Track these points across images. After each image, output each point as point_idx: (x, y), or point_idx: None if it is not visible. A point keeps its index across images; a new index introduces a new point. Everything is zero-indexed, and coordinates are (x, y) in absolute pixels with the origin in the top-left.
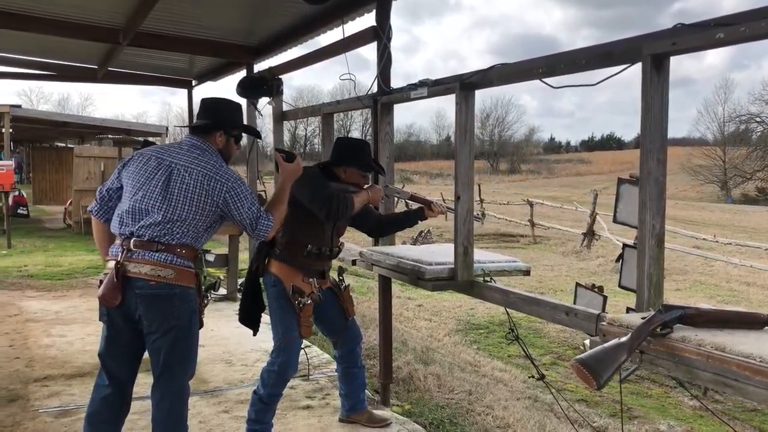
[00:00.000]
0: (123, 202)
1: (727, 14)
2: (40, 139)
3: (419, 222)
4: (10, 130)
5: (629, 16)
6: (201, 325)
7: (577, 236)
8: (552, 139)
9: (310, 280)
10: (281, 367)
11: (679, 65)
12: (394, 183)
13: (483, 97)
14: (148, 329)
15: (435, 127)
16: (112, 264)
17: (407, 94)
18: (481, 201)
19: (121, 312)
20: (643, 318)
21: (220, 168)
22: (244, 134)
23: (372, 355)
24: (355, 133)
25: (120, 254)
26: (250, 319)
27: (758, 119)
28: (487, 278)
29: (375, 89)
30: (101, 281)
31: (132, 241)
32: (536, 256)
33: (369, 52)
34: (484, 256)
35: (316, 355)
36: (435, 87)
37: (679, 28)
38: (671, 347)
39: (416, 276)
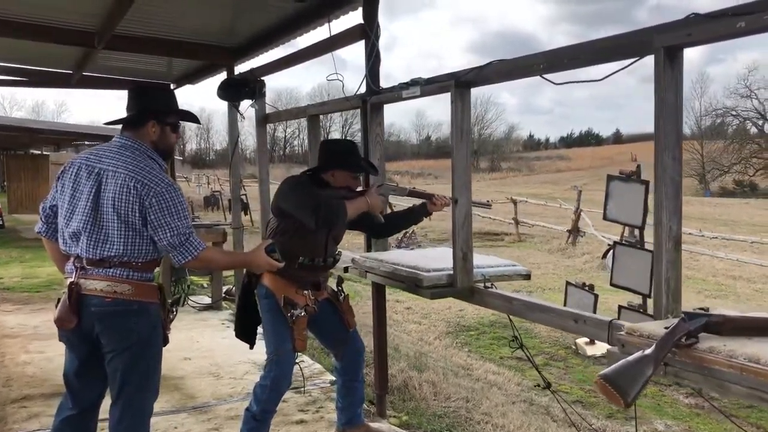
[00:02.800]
0: (60, 220)
1: (746, 2)
2: (15, 146)
3: (424, 218)
4: None
5: (607, 11)
6: (166, 341)
7: (561, 233)
8: (531, 137)
9: (305, 291)
10: (274, 382)
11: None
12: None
13: None
14: (106, 348)
15: (415, 127)
16: (68, 282)
17: (398, 93)
18: None
19: (78, 333)
20: (665, 327)
21: (149, 171)
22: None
23: (365, 363)
24: (335, 134)
25: (74, 273)
26: (245, 333)
27: (734, 113)
28: (488, 284)
29: (363, 89)
30: (59, 300)
31: (84, 259)
32: (522, 255)
33: (347, 52)
34: (482, 260)
35: (308, 366)
36: (428, 86)
37: (694, 18)
38: (699, 359)
39: (414, 283)
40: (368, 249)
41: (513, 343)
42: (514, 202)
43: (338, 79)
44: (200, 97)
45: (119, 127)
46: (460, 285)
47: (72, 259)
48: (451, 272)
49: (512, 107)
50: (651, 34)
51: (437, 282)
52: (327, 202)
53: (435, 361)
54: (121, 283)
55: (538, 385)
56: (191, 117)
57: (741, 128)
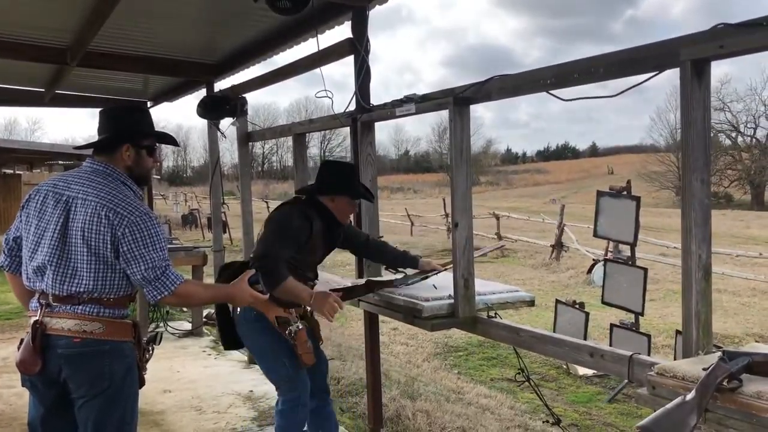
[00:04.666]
0: (24, 252)
1: None
2: None
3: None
4: None
5: (582, 25)
6: (142, 383)
7: (545, 248)
8: (509, 150)
9: (291, 310)
10: (292, 405)
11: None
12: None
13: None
14: (75, 393)
15: (393, 141)
16: (31, 321)
17: (391, 111)
18: (446, 215)
19: (43, 378)
20: (703, 368)
21: (122, 199)
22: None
23: (354, 391)
24: (314, 150)
25: (38, 310)
26: (234, 342)
27: None
28: (492, 313)
29: (352, 106)
30: (21, 341)
31: (50, 295)
32: (506, 270)
33: (326, 68)
34: (483, 286)
35: None
36: (424, 103)
37: (723, 29)
38: (745, 405)
39: (412, 314)
40: (360, 275)
41: (518, 376)
42: (497, 217)
43: (328, 96)
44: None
45: (81, 143)
46: (462, 315)
47: (37, 295)
48: (452, 301)
49: (489, 121)
50: (677, 46)
51: (437, 312)
52: (275, 267)
53: (425, 386)
54: (91, 321)
55: (547, 422)
56: (170, 139)
57: (714, 141)
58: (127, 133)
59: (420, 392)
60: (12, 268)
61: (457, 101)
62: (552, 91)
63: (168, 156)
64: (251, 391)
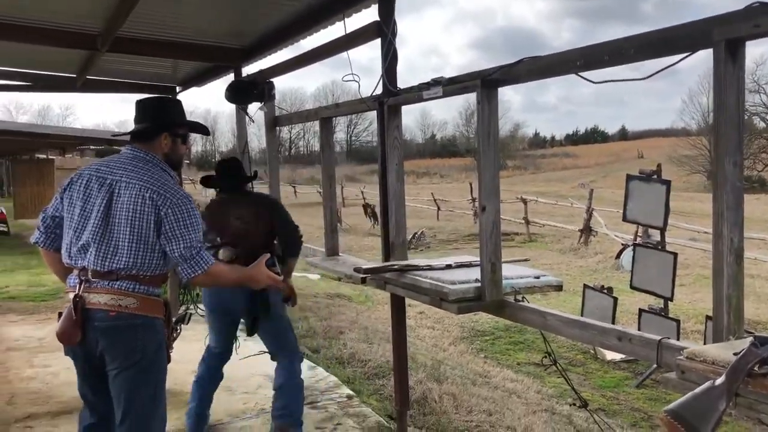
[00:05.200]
0: (68, 232)
1: None
2: (20, 151)
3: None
4: None
5: (612, 6)
6: (168, 360)
7: (572, 233)
8: (537, 134)
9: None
10: (299, 359)
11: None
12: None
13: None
14: (110, 365)
15: (420, 126)
16: (71, 295)
17: (418, 94)
18: (473, 200)
19: (82, 350)
20: (734, 353)
21: (164, 182)
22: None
23: (381, 374)
24: (340, 134)
25: (78, 285)
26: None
27: None
28: (519, 297)
29: (379, 90)
30: (60, 314)
31: (89, 271)
32: (534, 255)
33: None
34: (509, 270)
35: (323, 378)
36: (451, 86)
37: (758, 8)
38: None
39: (438, 297)
40: (386, 258)
41: (545, 359)
42: (524, 202)
43: (354, 80)
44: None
45: (112, 129)
46: (489, 298)
47: (76, 271)
48: (479, 284)
49: (517, 104)
50: (710, 26)
51: (464, 295)
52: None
53: (452, 369)
54: (126, 297)
55: (574, 404)
56: (201, 128)
57: (748, 123)
58: (166, 122)
59: (446, 375)
60: (47, 244)
61: (485, 84)
62: (581, 74)
63: (196, 141)
64: None
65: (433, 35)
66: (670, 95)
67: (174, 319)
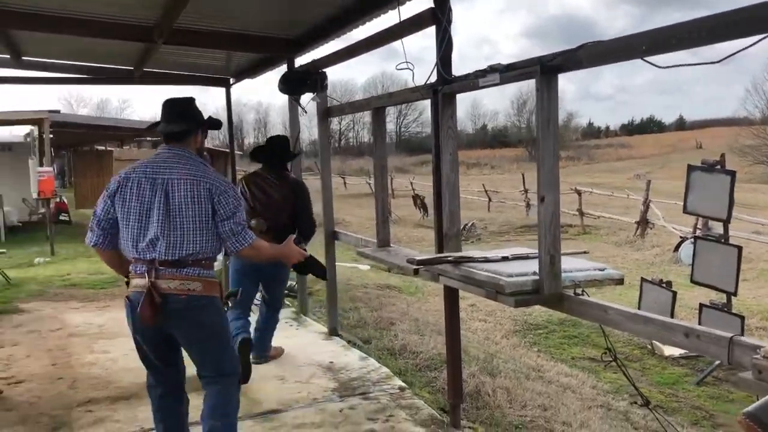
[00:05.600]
0: (128, 231)
1: None
2: (81, 143)
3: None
4: (51, 136)
5: None
6: None
7: (628, 225)
8: (591, 124)
9: None
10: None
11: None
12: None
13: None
14: (182, 341)
15: (470, 116)
16: (140, 282)
17: (474, 82)
18: (525, 191)
19: (153, 329)
20: None
21: (211, 174)
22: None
23: (432, 366)
24: (389, 125)
25: (148, 273)
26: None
27: None
28: (578, 290)
29: (433, 78)
30: (128, 297)
31: (157, 261)
32: (588, 247)
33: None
34: (567, 263)
35: (374, 369)
36: (509, 72)
37: None
38: None
39: (494, 289)
40: (439, 249)
41: (605, 355)
42: (579, 193)
43: (408, 68)
44: (257, 90)
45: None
46: (548, 291)
47: (143, 262)
48: (536, 277)
49: (571, 94)
50: None
51: (521, 288)
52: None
53: (504, 363)
54: (193, 281)
55: (635, 403)
56: (219, 124)
57: None
58: (199, 122)
59: (499, 369)
60: (105, 245)
61: (544, 70)
62: (647, 58)
63: (249, 133)
64: (331, 362)
65: (483, 24)
66: (730, 83)
67: (225, 295)
